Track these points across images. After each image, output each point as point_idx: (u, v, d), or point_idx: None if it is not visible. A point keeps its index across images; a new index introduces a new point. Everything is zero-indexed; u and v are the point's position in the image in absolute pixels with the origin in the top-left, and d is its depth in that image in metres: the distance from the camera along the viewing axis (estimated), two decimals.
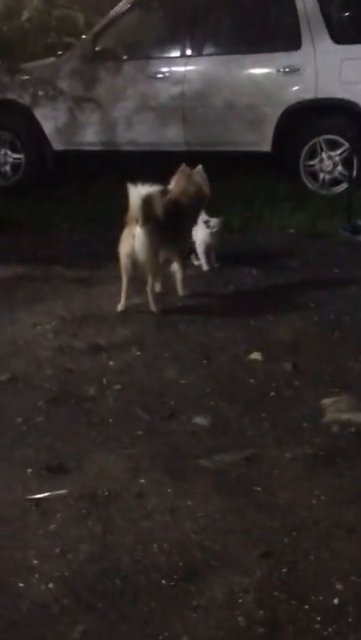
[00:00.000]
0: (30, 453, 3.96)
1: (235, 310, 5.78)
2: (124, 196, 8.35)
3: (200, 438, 4.09)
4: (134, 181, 5.42)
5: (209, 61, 8.85)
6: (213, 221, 6.41)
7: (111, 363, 4.97)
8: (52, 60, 9.27)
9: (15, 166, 9.45)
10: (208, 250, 6.54)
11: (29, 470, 3.81)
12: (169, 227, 5.54)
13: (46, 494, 3.60)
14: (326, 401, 4.39)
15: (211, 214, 6.57)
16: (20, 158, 9.42)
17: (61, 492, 3.63)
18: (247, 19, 8.83)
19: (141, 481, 3.71)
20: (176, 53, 8.96)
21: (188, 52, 8.87)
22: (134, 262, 5.54)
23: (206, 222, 6.39)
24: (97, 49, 9.08)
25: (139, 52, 9.07)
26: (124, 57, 9.02)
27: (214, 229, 6.42)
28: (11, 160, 9.46)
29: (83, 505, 3.52)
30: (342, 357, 4.97)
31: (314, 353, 5.04)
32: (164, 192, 5.65)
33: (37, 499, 3.56)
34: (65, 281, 6.40)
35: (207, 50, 8.86)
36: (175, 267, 5.92)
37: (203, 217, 6.42)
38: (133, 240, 5.48)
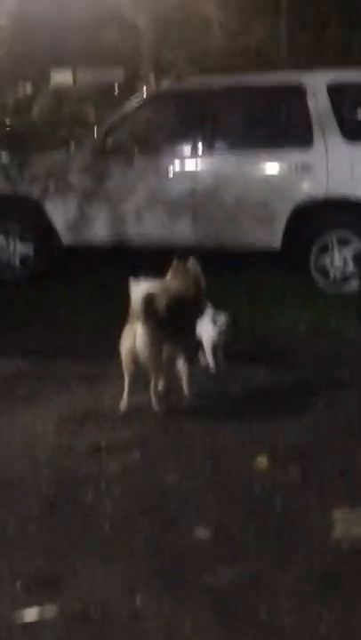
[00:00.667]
0: (20, 566, 3.73)
1: (241, 411, 5.59)
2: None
3: (201, 551, 3.86)
4: (137, 276, 5.29)
5: (220, 158, 8.84)
6: (220, 319, 6.27)
7: (111, 465, 4.76)
8: (63, 154, 9.27)
9: (24, 259, 9.37)
10: (215, 348, 6.37)
11: (18, 584, 3.58)
12: (171, 323, 5.39)
13: (34, 616, 3.36)
14: (336, 513, 4.15)
15: (218, 311, 6.45)
16: (29, 251, 9.34)
17: (51, 610, 3.39)
18: (259, 116, 8.86)
19: (137, 600, 3.47)
20: (187, 149, 8.95)
21: (200, 148, 8.86)
22: (136, 360, 5.36)
23: (213, 319, 6.25)
24: (108, 143, 9.07)
25: (150, 147, 9.06)
26: (135, 152, 8.99)
27: (222, 327, 6.26)
28: (20, 253, 9.38)
29: (73, 627, 3.28)
30: (354, 465, 4.74)
31: (324, 459, 4.82)
32: (167, 287, 5.54)
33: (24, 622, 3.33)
34: (69, 377, 6.22)
35: (218, 146, 8.85)
36: (181, 364, 5.75)
37: (209, 314, 6.28)
38: (135, 337, 5.32)
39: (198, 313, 5.99)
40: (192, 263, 5.90)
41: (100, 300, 8.21)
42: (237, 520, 4.12)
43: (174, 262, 5.86)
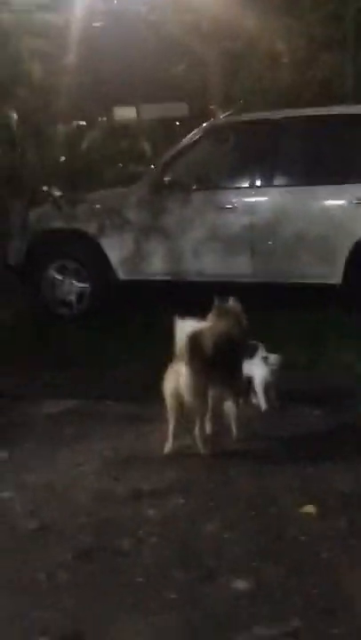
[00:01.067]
0: (47, 618, 3.57)
1: (292, 455, 5.36)
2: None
3: (239, 606, 3.64)
4: (186, 315, 5.13)
5: (279, 192, 8.66)
6: (273, 358, 6.08)
7: (151, 512, 4.58)
8: (120, 189, 9.21)
9: (80, 295, 9.29)
10: (267, 388, 6.17)
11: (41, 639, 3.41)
12: (217, 363, 5.22)
13: None
14: None
15: (274, 348, 6.25)
16: (85, 287, 9.26)
17: None
18: (319, 150, 8.65)
19: None
20: (246, 184, 8.81)
21: (258, 182, 8.71)
22: (181, 402, 5.19)
23: (265, 358, 6.06)
24: (165, 179, 8.97)
25: (208, 182, 8.94)
26: (193, 187, 8.88)
27: (274, 366, 6.06)
28: (76, 289, 9.31)
29: None
30: None
31: None
32: (211, 327, 5.36)
33: None
34: (115, 417, 6.08)
35: (278, 181, 8.68)
36: (229, 406, 5.56)
37: (261, 353, 6.09)
38: (179, 379, 5.15)
39: (243, 353, 5.77)
40: (233, 303, 5.73)
41: (155, 339, 8.05)
42: (279, 572, 3.90)
43: (215, 302, 5.69)
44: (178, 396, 5.17)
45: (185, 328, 5.11)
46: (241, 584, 3.80)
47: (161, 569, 3.97)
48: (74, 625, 3.50)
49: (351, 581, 3.82)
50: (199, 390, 5.17)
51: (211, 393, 5.39)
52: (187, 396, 5.15)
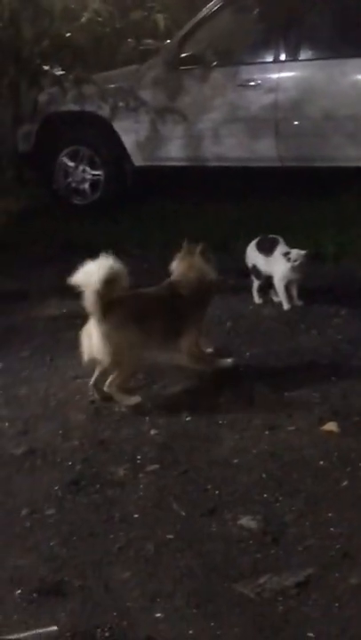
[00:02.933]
0: (25, 565, 3.14)
1: (314, 364, 4.83)
2: (207, 217, 7.65)
3: (244, 549, 3.18)
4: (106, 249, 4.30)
5: (306, 67, 7.87)
6: (295, 253, 5.50)
7: (153, 432, 4.11)
8: (133, 67, 8.48)
9: (94, 183, 8.68)
10: (289, 286, 5.62)
11: (17, 592, 2.98)
12: (161, 321, 4.44)
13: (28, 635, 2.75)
14: None
15: (299, 240, 5.66)
16: (99, 175, 8.64)
17: (50, 629, 2.78)
18: (347, 19, 7.80)
19: (157, 615, 2.84)
20: (269, 58, 8.02)
21: (283, 56, 7.91)
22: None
23: (286, 254, 5.48)
24: (182, 55, 8.22)
25: (228, 57, 8.17)
26: (213, 63, 8.12)
27: (296, 262, 5.48)
28: (89, 177, 8.70)
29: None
30: None
31: None
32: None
33: None
34: None
35: (304, 54, 7.87)
36: (179, 359, 4.62)
37: (281, 248, 5.52)
38: (92, 341, 4.30)
39: (200, 311, 4.66)
40: (201, 250, 4.72)
41: (171, 230, 7.47)
42: (294, 506, 3.44)
43: (184, 245, 4.78)
44: (95, 360, 4.36)
45: (93, 271, 4.16)
46: (248, 521, 3.35)
47: (159, 502, 3.52)
48: (54, 575, 3.07)
49: None
50: (119, 355, 4.28)
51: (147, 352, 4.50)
52: (103, 362, 4.33)
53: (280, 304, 5.66)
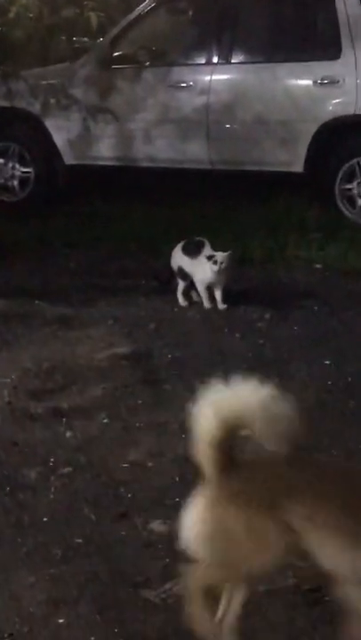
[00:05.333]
0: None
1: (235, 366, 4.79)
2: (137, 218, 7.61)
3: (153, 554, 3.15)
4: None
5: (238, 70, 7.90)
6: (220, 256, 5.50)
7: (68, 434, 4.06)
8: (65, 65, 8.40)
9: (23, 181, 8.58)
10: (212, 288, 5.62)
11: None
12: None
13: None
14: None
15: (228, 243, 5.68)
16: (28, 172, 8.54)
17: None
18: (281, 24, 7.87)
19: (60, 621, 2.79)
20: (202, 60, 8.04)
21: (215, 59, 7.94)
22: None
23: (210, 257, 5.48)
24: (115, 54, 8.19)
25: (161, 57, 8.17)
26: (145, 63, 8.10)
27: (222, 265, 5.48)
28: (19, 174, 8.59)
29: None
30: (355, 438, 3.98)
31: (321, 430, 4.06)
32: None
33: None
34: (43, 321, 5.50)
35: (236, 57, 7.90)
36: None
37: (206, 251, 5.52)
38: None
39: None
40: None
41: (101, 230, 7.45)
42: None
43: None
44: None
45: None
46: (158, 526, 3.33)
47: (70, 506, 3.48)
48: None
49: None
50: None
51: None
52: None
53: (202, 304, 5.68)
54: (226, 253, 5.52)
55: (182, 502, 3.36)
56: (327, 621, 2.78)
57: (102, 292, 5.95)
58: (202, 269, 5.53)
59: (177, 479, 3.64)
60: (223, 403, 2.47)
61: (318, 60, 7.51)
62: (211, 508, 2.47)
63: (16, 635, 2.73)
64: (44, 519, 3.38)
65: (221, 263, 5.48)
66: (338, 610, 2.76)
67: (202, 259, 5.53)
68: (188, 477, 3.60)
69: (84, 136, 8.33)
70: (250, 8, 7.93)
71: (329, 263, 6.58)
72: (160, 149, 8.10)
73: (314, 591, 2.90)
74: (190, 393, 4.33)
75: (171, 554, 3.13)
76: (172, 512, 3.34)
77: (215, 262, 5.46)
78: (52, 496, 3.54)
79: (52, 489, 3.59)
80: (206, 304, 5.62)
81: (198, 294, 5.69)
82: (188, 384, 4.54)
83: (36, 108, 8.27)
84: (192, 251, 5.64)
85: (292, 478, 2.45)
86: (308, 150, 7.55)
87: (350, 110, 7.41)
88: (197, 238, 5.72)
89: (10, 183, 8.61)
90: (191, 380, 4.59)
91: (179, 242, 5.84)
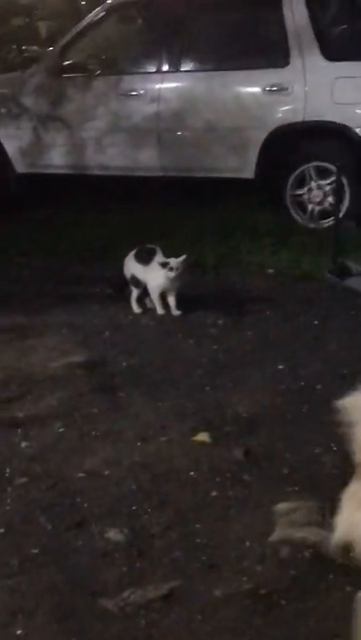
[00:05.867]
0: None
1: (189, 373, 4.85)
2: (90, 226, 7.62)
3: (110, 562, 3.16)
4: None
5: (187, 78, 7.94)
6: (173, 262, 5.52)
7: (24, 444, 4.05)
8: (15, 74, 8.38)
9: None
10: (167, 294, 5.65)
11: None
12: None
13: None
14: (280, 507, 3.44)
15: (182, 249, 5.70)
16: None
17: None
18: (230, 32, 7.87)
19: (18, 632, 2.79)
20: (152, 68, 8.07)
21: (165, 67, 7.97)
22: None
23: (165, 265, 5.50)
24: (65, 63, 8.20)
25: (111, 66, 8.18)
26: (95, 72, 8.12)
27: (175, 271, 5.50)
28: None
29: None
30: (309, 442, 4.02)
31: (275, 435, 4.10)
32: None
33: None
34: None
35: (186, 65, 7.94)
36: None
37: (159, 258, 5.55)
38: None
39: None
40: None
41: (55, 238, 7.44)
42: (161, 518, 3.43)
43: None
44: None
45: None
46: (115, 534, 3.33)
47: (26, 516, 3.46)
48: None
49: (240, 527, 3.35)
50: None
51: None
52: None
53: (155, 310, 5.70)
54: (180, 259, 5.53)
55: (139, 511, 3.43)
56: (283, 625, 2.81)
57: (56, 300, 5.94)
58: (155, 276, 5.54)
59: (133, 487, 3.64)
60: None
61: (267, 67, 7.56)
62: None
63: None
64: (0, 530, 3.36)
65: (177, 269, 5.50)
66: (294, 614, 2.81)
67: (155, 265, 5.54)
68: (143, 485, 3.64)
69: (35, 145, 8.32)
70: (199, 16, 7.94)
71: (281, 268, 6.61)
72: (111, 157, 8.12)
73: (270, 595, 2.93)
74: (145, 400, 4.40)
75: (127, 562, 3.15)
76: (129, 520, 3.39)
77: (171, 269, 5.47)
78: (7, 507, 3.52)
79: (8, 500, 3.57)
80: (160, 310, 5.63)
81: (152, 301, 5.69)
82: (143, 391, 4.58)
83: None
84: (144, 258, 5.66)
85: None
86: (259, 157, 7.60)
87: (299, 117, 7.47)
88: (149, 246, 5.73)
89: None
90: (145, 387, 4.63)
91: (132, 249, 5.84)
